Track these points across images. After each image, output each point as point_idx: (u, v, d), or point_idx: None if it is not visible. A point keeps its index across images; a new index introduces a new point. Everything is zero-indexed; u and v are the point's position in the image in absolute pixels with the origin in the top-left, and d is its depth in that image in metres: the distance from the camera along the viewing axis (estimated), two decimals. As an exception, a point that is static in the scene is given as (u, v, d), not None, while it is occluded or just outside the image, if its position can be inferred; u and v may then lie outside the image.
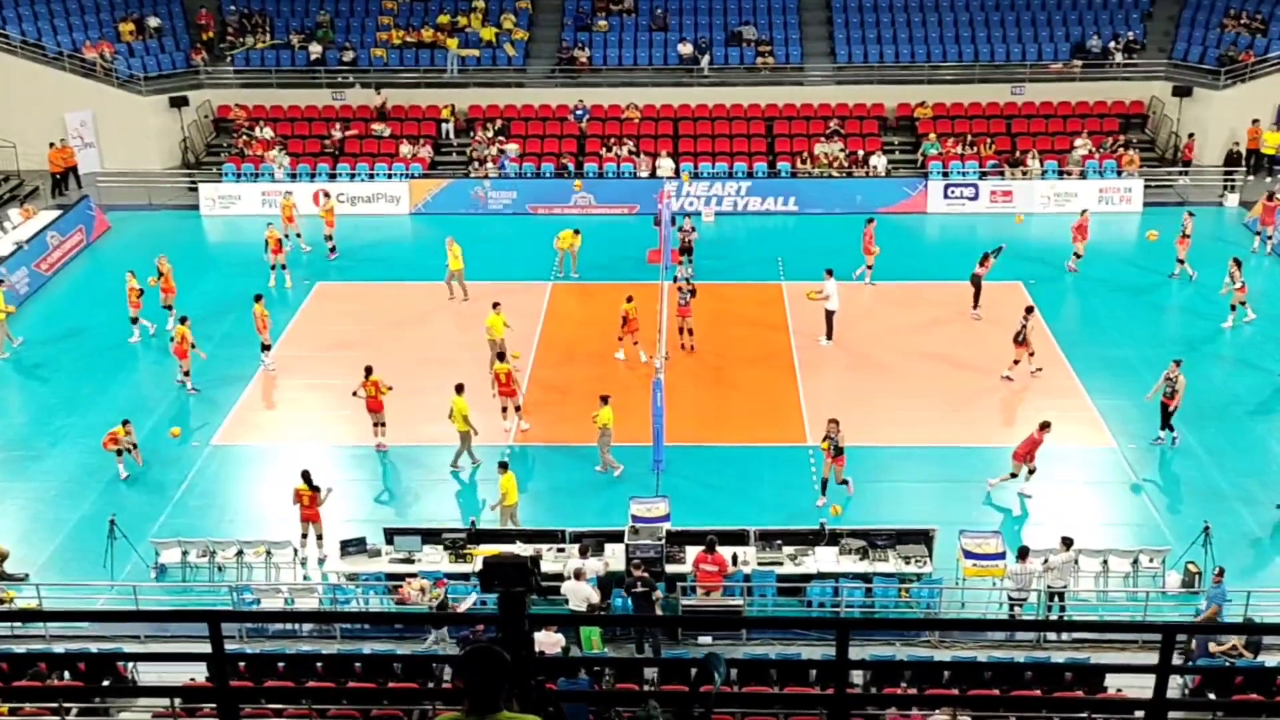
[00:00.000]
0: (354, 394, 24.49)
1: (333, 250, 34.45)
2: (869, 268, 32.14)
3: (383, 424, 24.59)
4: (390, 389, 24.56)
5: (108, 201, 38.59)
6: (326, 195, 34.85)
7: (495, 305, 27.27)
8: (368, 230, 37.18)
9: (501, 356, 25.26)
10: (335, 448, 25.26)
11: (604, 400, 23.29)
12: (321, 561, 21.28)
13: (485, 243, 35.77)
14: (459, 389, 23.73)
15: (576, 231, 32.67)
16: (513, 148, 39.13)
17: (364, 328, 30.43)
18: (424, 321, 31.12)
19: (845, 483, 22.22)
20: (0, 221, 35.29)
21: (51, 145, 39.07)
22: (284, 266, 32.86)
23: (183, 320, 27.25)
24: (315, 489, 21.34)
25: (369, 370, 24.51)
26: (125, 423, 23.53)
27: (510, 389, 25.06)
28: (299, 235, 33.90)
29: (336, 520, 22.48)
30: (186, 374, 27.16)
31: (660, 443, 23.07)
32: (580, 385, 26.82)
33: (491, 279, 32.26)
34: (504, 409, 25.41)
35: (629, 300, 28.23)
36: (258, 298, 28.14)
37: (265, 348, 28.19)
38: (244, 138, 40.37)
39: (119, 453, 23.44)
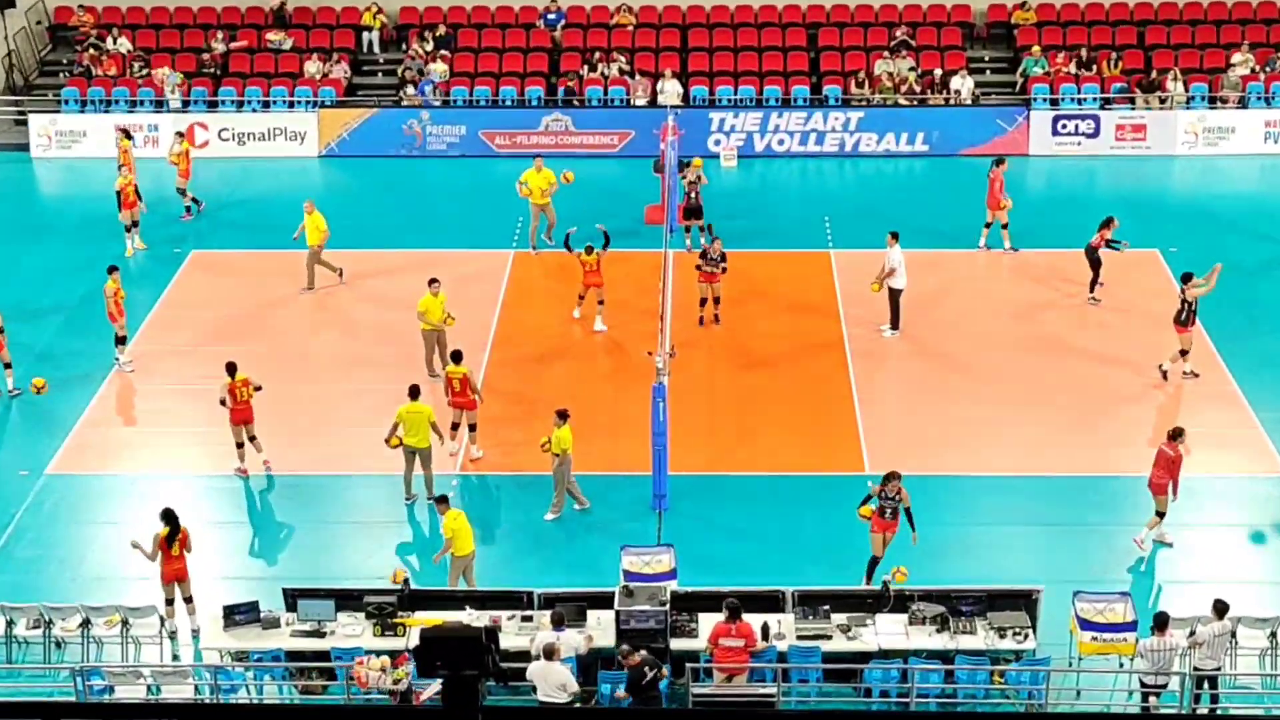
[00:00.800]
0: (221, 402, 24.83)
1: (189, 209, 34.66)
2: (1003, 226, 32.29)
3: (254, 438, 25.03)
4: (259, 388, 24.94)
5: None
6: (180, 135, 35.26)
7: (432, 283, 27.43)
8: (261, 178, 37.26)
9: (457, 357, 25.45)
10: (215, 477, 25.53)
11: (561, 417, 23.49)
12: (197, 635, 21.31)
13: (422, 195, 36.27)
14: (414, 393, 24.10)
15: (539, 162, 32.66)
16: (439, 67, 39.30)
17: (251, 312, 30.67)
18: (334, 304, 31.13)
19: (890, 575, 21.63)
20: None
21: None
22: (134, 224, 33.05)
23: None
24: (178, 535, 21.37)
25: (233, 368, 24.83)
26: None
27: (467, 398, 25.32)
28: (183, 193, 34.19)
29: (217, 577, 22.61)
30: (8, 366, 27.37)
31: (663, 470, 23.21)
32: (551, 391, 27.02)
33: (430, 246, 32.76)
34: (454, 425, 25.44)
35: (589, 250, 28.67)
36: (111, 270, 28.13)
37: (120, 340, 28.33)
38: (91, 51, 40.46)
39: None
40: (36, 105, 39.67)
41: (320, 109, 38.87)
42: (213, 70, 40.24)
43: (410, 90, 38.91)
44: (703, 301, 29.51)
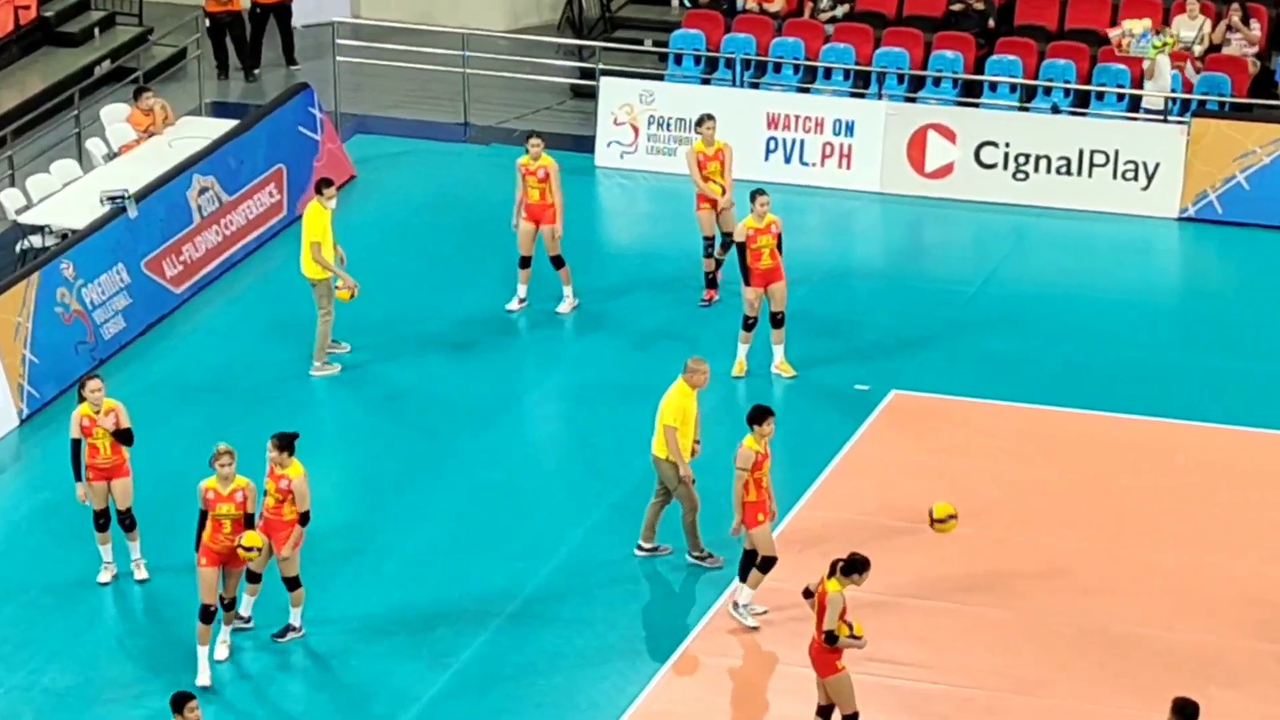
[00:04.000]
0: (806, 593, 24.73)
1: (568, 298, 33.10)
2: None
3: None
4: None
5: (355, 108, 37.23)
6: (535, 136, 33.02)
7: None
8: (1051, 251, 34.57)
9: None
10: None
11: None
12: None
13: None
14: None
15: None
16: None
17: (999, 516, 27.10)
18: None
19: None
20: (82, 133, 35.14)
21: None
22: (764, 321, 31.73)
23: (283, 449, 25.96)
24: None
25: (856, 567, 23.60)
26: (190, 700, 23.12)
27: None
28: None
29: None
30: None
31: None
32: None
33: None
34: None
35: None
36: (760, 419, 25.39)
37: (766, 565, 26.80)
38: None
39: None
40: (616, 61, 36.15)
41: (1193, 118, 33.68)
42: (981, 23, 36.86)
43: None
44: None
